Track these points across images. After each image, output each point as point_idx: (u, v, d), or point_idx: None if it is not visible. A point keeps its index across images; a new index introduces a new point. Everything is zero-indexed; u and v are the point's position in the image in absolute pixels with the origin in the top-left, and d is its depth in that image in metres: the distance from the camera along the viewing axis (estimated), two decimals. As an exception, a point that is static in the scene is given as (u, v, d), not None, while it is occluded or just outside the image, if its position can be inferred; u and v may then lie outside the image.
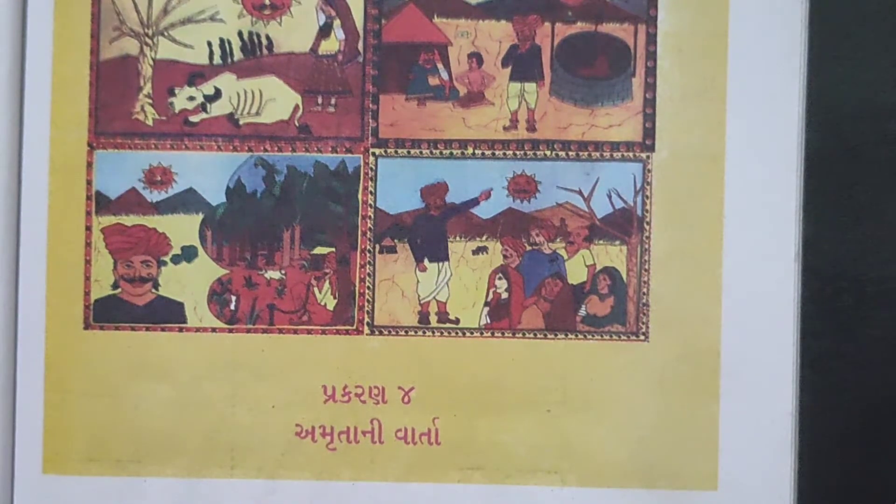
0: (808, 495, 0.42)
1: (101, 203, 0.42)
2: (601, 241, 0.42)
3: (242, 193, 0.42)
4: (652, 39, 0.42)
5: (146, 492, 0.42)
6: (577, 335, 0.42)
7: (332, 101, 0.42)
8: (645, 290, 0.42)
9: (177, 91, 0.42)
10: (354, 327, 0.42)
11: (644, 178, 0.42)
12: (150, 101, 0.42)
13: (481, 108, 0.42)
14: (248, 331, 0.42)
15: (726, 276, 0.41)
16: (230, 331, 0.42)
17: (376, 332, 0.42)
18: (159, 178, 0.42)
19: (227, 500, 0.42)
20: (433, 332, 0.42)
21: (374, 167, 0.42)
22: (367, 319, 0.42)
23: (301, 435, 0.42)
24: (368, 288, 0.42)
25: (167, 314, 0.42)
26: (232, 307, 0.42)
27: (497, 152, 0.42)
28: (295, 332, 0.42)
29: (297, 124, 0.42)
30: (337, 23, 0.42)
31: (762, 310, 0.41)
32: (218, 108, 0.42)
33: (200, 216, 0.42)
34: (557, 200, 0.42)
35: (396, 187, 0.42)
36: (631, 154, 0.42)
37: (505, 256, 0.42)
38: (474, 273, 0.42)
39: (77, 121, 0.42)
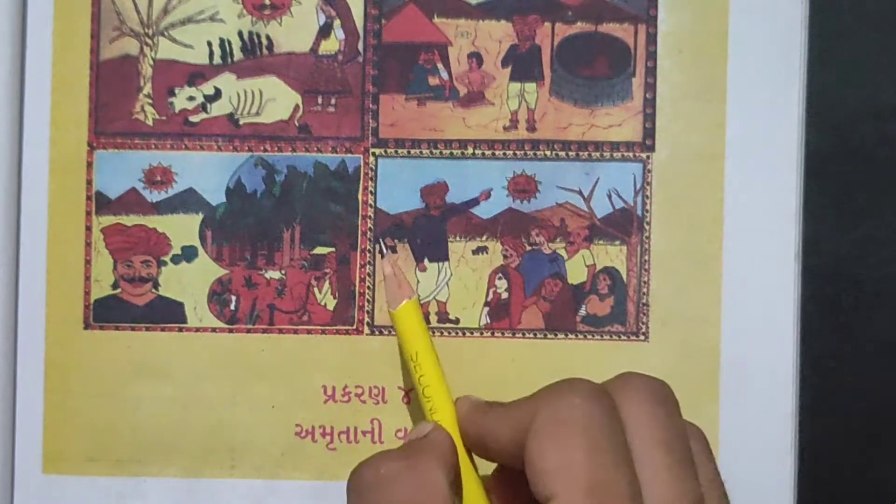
0: (808, 495, 0.42)
1: (101, 203, 0.42)
2: (601, 241, 0.42)
3: (242, 193, 0.42)
4: (652, 39, 0.42)
5: (146, 492, 0.42)
6: (577, 335, 0.42)
7: (332, 101, 0.42)
8: (645, 290, 0.42)
9: (177, 91, 0.42)
10: (354, 327, 0.42)
11: (644, 178, 0.42)
12: (150, 101, 0.42)
13: (481, 108, 0.42)
14: (248, 331, 0.42)
15: (726, 276, 0.41)
16: (230, 331, 0.42)
17: (376, 332, 0.42)
18: (159, 178, 0.42)
19: (227, 500, 0.42)
20: (433, 332, 0.42)
21: (374, 167, 0.42)
22: (367, 319, 0.42)
23: (301, 435, 0.42)
24: (368, 288, 0.42)
25: (167, 314, 0.42)
26: (232, 307, 0.42)
27: (497, 152, 0.42)
28: (295, 332, 0.42)
29: (297, 124, 0.42)
30: (337, 23, 0.42)
31: (762, 310, 0.41)
32: (218, 108, 0.42)
33: (200, 216, 0.42)
34: (557, 200, 0.42)
35: (396, 187, 0.42)
36: (631, 154, 0.42)
37: (505, 256, 0.42)
38: (474, 273, 0.42)
39: (77, 121, 0.42)
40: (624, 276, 0.42)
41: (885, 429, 0.42)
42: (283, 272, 0.42)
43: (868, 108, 0.43)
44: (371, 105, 0.42)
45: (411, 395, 0.42)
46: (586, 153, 0.42)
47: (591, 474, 0.27)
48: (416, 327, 0.35)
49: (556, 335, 0.42)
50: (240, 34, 0.42)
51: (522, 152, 0.42)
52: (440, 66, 0.42)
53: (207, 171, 0.42)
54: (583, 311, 0.42)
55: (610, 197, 0.42)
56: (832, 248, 0.42)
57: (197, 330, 0.42)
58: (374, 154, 0.42)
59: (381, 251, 0.40)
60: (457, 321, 0.42)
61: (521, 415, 0.29)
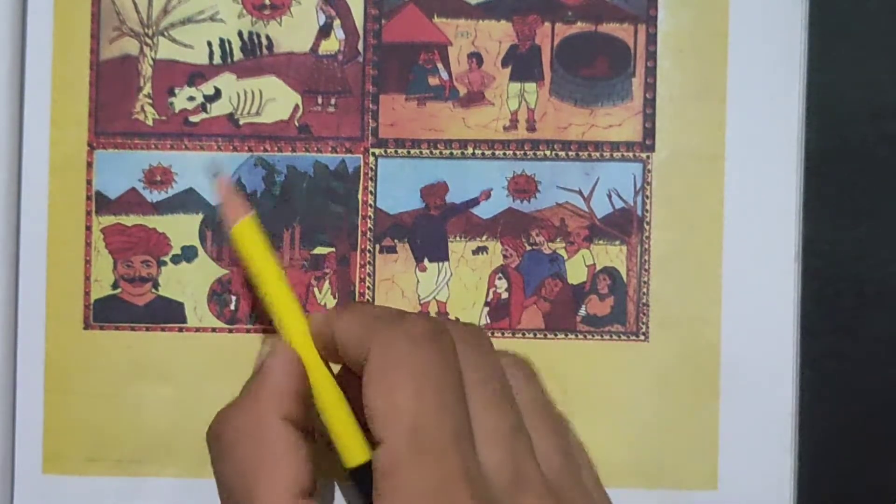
0: (808, 495, 0.42)
1: (101, 203, 0.42)
2: (601, 241, 0.42)
3: (242, 193, 0.42)
4: (652, 39, 0.42)
5: (146, 492, 0.42)
6: (577, 335, 0.42)
7: (332, 101, 0.42)
8: (645, 290, 0.42)
9: (177, 91, 0.42)
10: (354, 327, 0.42)
11: (644, 178, 0.42)
12: (150, 101, 0.42)
13: (481, 108, 0.42)
14: (248, 331, 0.42)
15: (726, 276, 0.41)
16: (230, 331, 0.42)
17: (376, 332, 0.42)
18: (159, 178, 0.42)
19: (227, 500, 0.42)
20: (433, 332, 0.42)
21: (374, 167, 0.42)
22: (367, 319, 0.42)
23: (301, 435, 0.42)
24: (368, 288, 0.42)
25: (167, 314, 0.42)
26: (232, 307, 0.42)
27: (497, 152, 0.42)
28: (295, 332, 0.42)
29: (297, 124, 0.42)
30: (337, 23, 0.42)
31: (762, 310, 0.41)
32: (218, 108, 0.42)
33: (200, 216, 0.42)
34: (557, 200, 0.42)
35: (396, 187, 0.42)
36: (631, 154, 0.42)
37: (505, 256, 0.42)
38: (474, 273, 0.42)
39: (77, 121, 0.42)
40: (624, 276, 0.42)
41: (885, 429, 0.42)
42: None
43: (868, 108, 0.43)
44: (371, 105, 0.42)
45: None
46: (586, 153, 0.42)
47: (414, 419, 0.28)
48: (255, 245, 0.35)
49: (556, 335, 0.42)
50: (240, 34, 0.42)
51: (522, 152, 0.42)
52: (440, 66, 0.42)
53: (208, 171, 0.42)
54: (583, 311, 0.42)
55: (610, 197, 0.42)
56: (832, 248, 0.42)
57: (197, 330, 0.42)
58: (374, 154, 0.42)
59: (213, 174, 0.40)
60: (457, 321, 0.42)
61: (360, 341, 0.30)
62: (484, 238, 0.42)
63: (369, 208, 0.42)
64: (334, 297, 0.42)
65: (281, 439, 0.30)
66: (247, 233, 0.35)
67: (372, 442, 0.30)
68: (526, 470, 0.28)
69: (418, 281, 0.42)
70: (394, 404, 0.28)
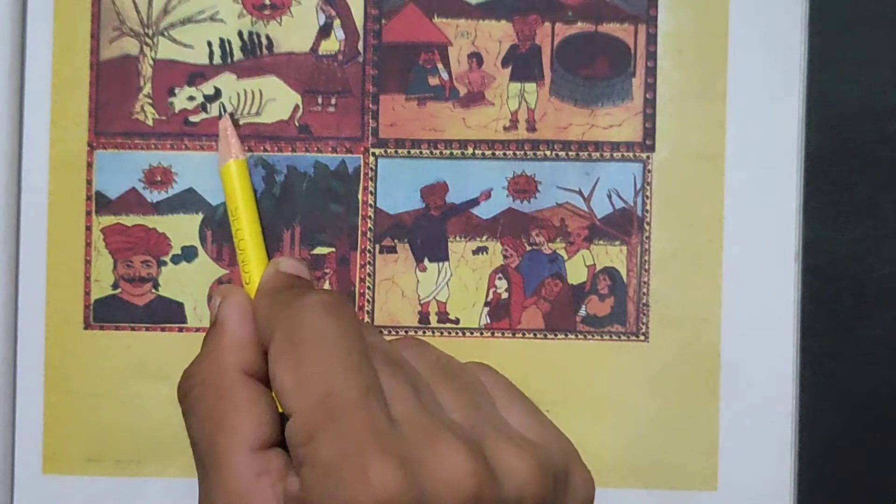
0: (808, 495, 0.42)
1: (101, 203, 0.42)
2: (601, 241, 0.42)
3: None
4: (652, 39, 0.42)
5: (146, 492, 0.42)
6: (577, 335, 0.42)
7: (332, 101, 0.42)
8: (645, 290, 0.42)
9: (177, 91, 0.42)
10: (354, 327, 0.42)
11: (644, 178, 0.42)
12: (150, 101, 0.42)
13: (481, 108, 0.42)
14: (248, 331, 0.42)
15: (726, 276, 0.41)
16: (230, 331, 0.42)
17: (376, 332, 0.42)
18: (159, 178, 0.42)
19: (227, 500, 0.42)
20: (433, 332, 0.42)
21: (374, 167, 0.42)
22: (367, 319, 0.42)
23: (301, 435, 0.42)
24: (368, 288, 0.42)
25: (167, 314, 0.42)
26: (232, 307, 0.42)
27: (497, 152, 0.42)
28: (295, 332, 0.42)
29: (297, 124, 0.42)
30: (337, 23, 0.42)
31: (762, 310, 0.41)
32: (218, 108, 0.42)
33: (200, 216, 0.42)
34: (557, 200, 0.42)
35: (396, 187, 0.42)
36: (631, 154, 0.42)
37: (505, 256, 0.42)
38: (474, 273, 0.42)
39: (77, 121, 0.42)
40: (624, 276, 0.42)
41: (885, 429, 0.42)
42: (283, 272, 0.42)
43: (868, 108, 0.43)
44: (371, 105, 0.42)
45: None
46: (586, 153, 0.42)
47: (320, 387, 0.28)
48: (238, 185, 0.36)
49: (556, 335, 0.42)
50: (240, 34, 0.42)
51: (522, 152, 0.42)
52: (440, 66, 0.42)
53: (207, 171, 0.42)
54: (583, 312, 0.42)
55: (610, 197, 0.42)
56: (832, 248, 0.42)
57: (197, 330, 0.42)
58: (374, 154, 0.42)
59: (220, 114, 0.40)
60: (457, 321, 0.42)
61: (266, 326, 0.31)
62: (484, 238, 0.42)
63: (369, 208, 0.42)
64: (334, 297, 0.42)
65: (240, 392, 0.30)
66: (234, 173, 0.36)
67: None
68: (435, 420, 0.28)
69: (418, 281, 0.42)
70: (301, 376, 0.28)
